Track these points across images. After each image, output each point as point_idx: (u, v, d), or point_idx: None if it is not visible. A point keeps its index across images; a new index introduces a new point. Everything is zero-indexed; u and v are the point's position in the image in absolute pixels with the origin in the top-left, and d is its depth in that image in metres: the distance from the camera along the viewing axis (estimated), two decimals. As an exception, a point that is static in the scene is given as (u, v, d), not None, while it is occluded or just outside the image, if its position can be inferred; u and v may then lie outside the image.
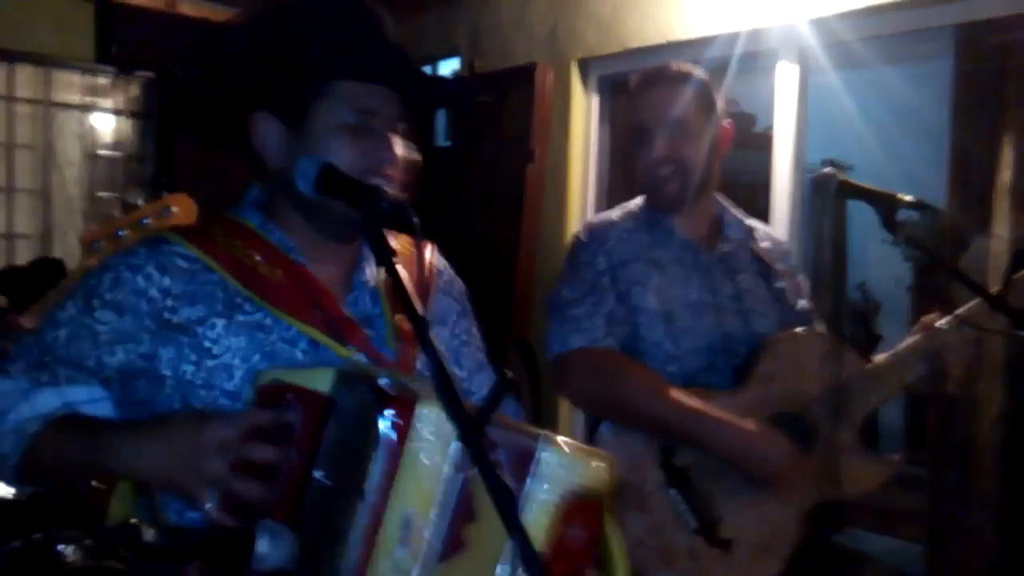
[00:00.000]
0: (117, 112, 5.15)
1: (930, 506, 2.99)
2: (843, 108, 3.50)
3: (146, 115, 5.19)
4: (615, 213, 2.05)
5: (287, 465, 1.06)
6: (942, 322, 1.91)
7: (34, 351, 1.27)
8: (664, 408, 1.80)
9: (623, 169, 3.79)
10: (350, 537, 1.00)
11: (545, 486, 1.07)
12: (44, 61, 4.87)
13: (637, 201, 2.07)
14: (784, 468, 1.80)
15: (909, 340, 1.92)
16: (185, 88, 1.32)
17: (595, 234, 1.98)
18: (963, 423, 2.78)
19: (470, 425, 0.97)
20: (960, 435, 2.80)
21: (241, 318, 1.23)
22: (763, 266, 2.03)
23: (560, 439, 1.11)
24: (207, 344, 1.21)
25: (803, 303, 2.06)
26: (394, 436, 1.00)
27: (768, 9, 3.03)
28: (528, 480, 1.07)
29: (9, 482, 1.27)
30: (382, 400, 1.02)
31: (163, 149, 5.14)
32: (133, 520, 1.16)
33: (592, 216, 2.09)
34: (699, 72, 1.99)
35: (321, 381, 1.06)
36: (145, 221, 2.13)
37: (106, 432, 1.19)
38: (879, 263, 5.19)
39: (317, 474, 1.03)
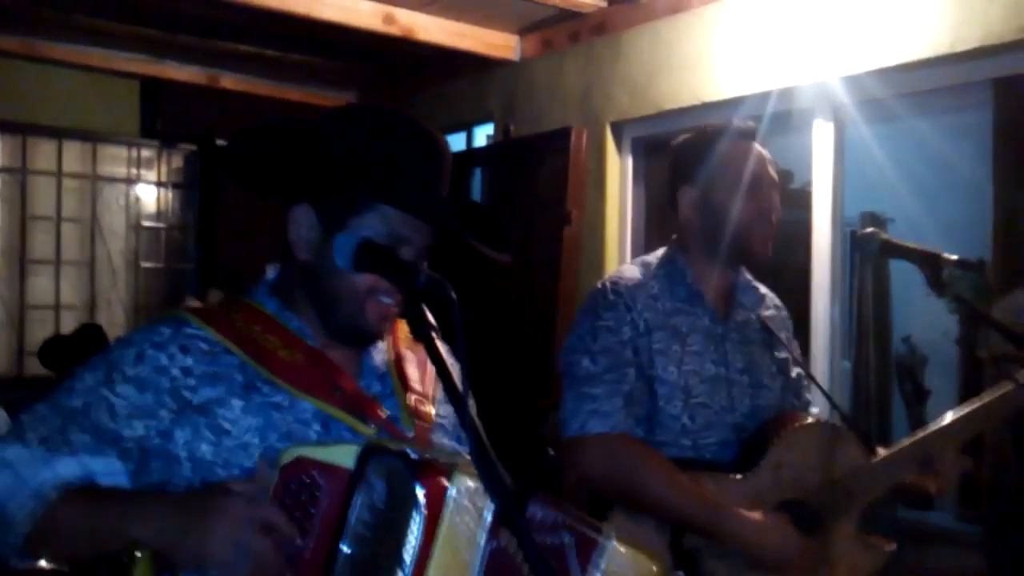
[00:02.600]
0: (160, 184, 5.28)
1: (989, 567, 2.88)
2: (880, 162, 3.48)
3: (188, 186, 5.31)
4: (637, 269, 1.98)
5: (310, 542, 1.08)
6: (950, 416, 1.89)
7: (50, 419, 1.27)
8: (681, 499, 1.79)
9: (659, 230, 3.79)
10: None
11: None
12: (91, 137, 5.02)
13: (657, 254, 2.02)
14: (794, 559, 1.81)
15: (908, 440, 1.91)
16: (240, 162, 1.36)
17: (621, 295, 1.90)
18: (1020, 478, 2.69)
19: (511, 501, 0.98)
20: (1019, 491, 2.71)
21: (258, 399, 1.25)
22: (768, 335, 2.01)
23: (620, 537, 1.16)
24: (225, 425, 1.23)
25: (797, 372, 2.05)
26: (431, 504, 1.04)
27: (800, 68, 3.04)
28: (591, 568, 1.12)
29: (12, 553, 1.24)
30: (416, 470, 1.05)
31: (205, 220, 5.24)
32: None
33: (616, 270, 2.00)
34: None
35: (344, 457, 1.09)
36: None
37: (125, 497, 1.21)
38: (924, 316, 5.10)
39: (344, 547, 1.05)
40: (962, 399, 1.96)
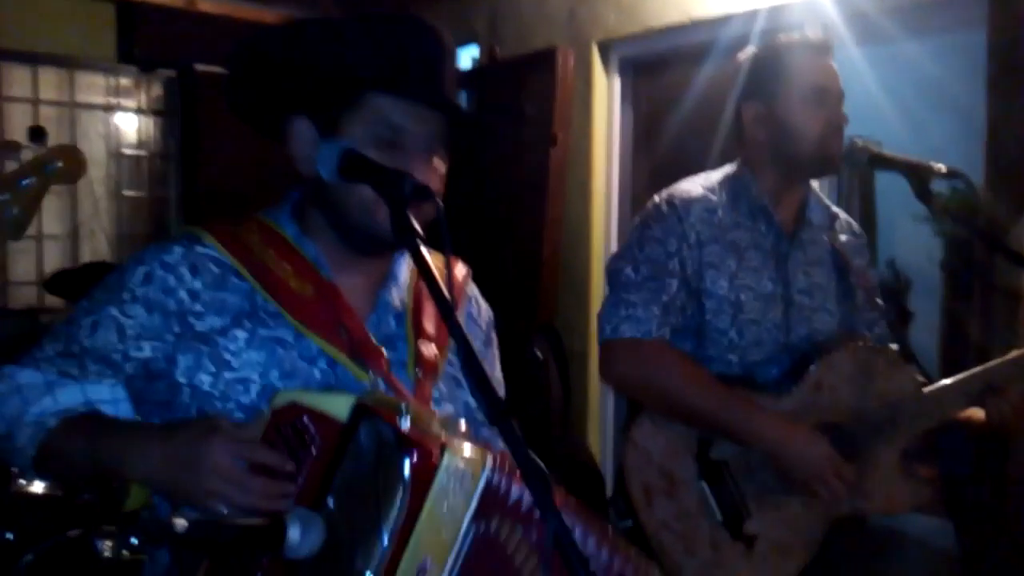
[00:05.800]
0: (140, 111, 5.18)
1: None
2: (869, 84, 3.43)
3: (169, 113, 5.21)
4: (698, 185, 1.95)
5: (298, 487, 1.06)
6: (1011, 356, 1.84)
7: (62, 340, 1.27)
8: (709, 400, 1.80)
9: (647, 151, 3.76)
10: None
11: None
12: (67, 63, 4.90)
13: (723, 171, 1.99)
14: (823, 472, 1.78)
15: (966, 373, 1.86)
16: (228, 86, 1.31)
17: (674, 207, 1.90)
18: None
19: (502, 416, 0.94)
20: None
21: (263, 332, 1.23)
22: (840, 259, 1.97)
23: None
24: (227, 356, 1.21)
25: (870, 303, 2.01)
26: (417, 482, 1.00)
27: (791, -17, 2.98)
28: None
29: (28, 473, 1.29)
30: (405, 444, 1.01)
31: (187, 146, 5.16)
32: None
33: (676, 185, 1.95)
34: None
35: (338, 407, 1.06)
36: (25, 182, 2.03)
37: (119, 435, 1.19)
38: (909, 239, 5.10)
39: (330, 501, 1.03)
40: (945, 322, 1.96)
